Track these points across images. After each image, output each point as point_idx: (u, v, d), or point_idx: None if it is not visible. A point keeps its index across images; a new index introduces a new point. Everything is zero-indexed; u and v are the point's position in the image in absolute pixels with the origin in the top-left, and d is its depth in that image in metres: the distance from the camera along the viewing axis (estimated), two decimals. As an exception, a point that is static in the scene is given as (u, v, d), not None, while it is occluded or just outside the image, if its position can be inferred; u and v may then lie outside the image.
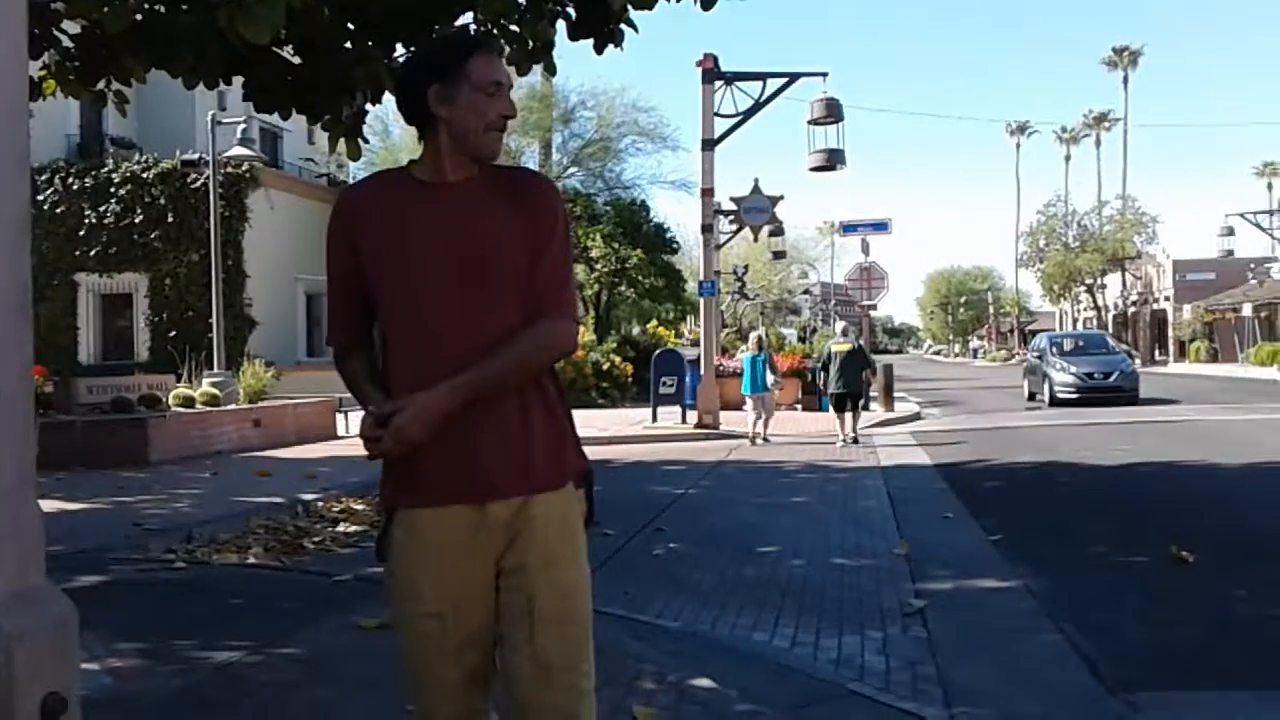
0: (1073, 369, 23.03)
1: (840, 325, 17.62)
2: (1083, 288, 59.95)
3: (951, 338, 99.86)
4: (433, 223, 2.17)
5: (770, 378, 15.66)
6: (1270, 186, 65.74)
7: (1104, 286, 59.68)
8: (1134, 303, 59.96)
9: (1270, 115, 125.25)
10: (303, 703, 4.05)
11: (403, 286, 2.17)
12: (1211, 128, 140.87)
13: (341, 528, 8.00)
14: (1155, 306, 57.98)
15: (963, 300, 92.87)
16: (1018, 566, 6.57)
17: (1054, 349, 24.91)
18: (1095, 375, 22.69)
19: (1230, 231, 48.00)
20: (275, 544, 7.35)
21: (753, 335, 17.12)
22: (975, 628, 5.28)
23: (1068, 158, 72.07)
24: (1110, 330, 51.37)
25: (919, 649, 4.87)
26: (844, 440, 14.93)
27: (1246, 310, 46.25)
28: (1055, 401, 22.43)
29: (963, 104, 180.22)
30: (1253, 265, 47.76)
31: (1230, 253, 49.98)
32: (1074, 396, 22.29)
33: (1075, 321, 64.34)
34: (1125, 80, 65.17)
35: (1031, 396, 24.66)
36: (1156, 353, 55.54)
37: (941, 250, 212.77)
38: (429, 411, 2.09)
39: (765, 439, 15.53)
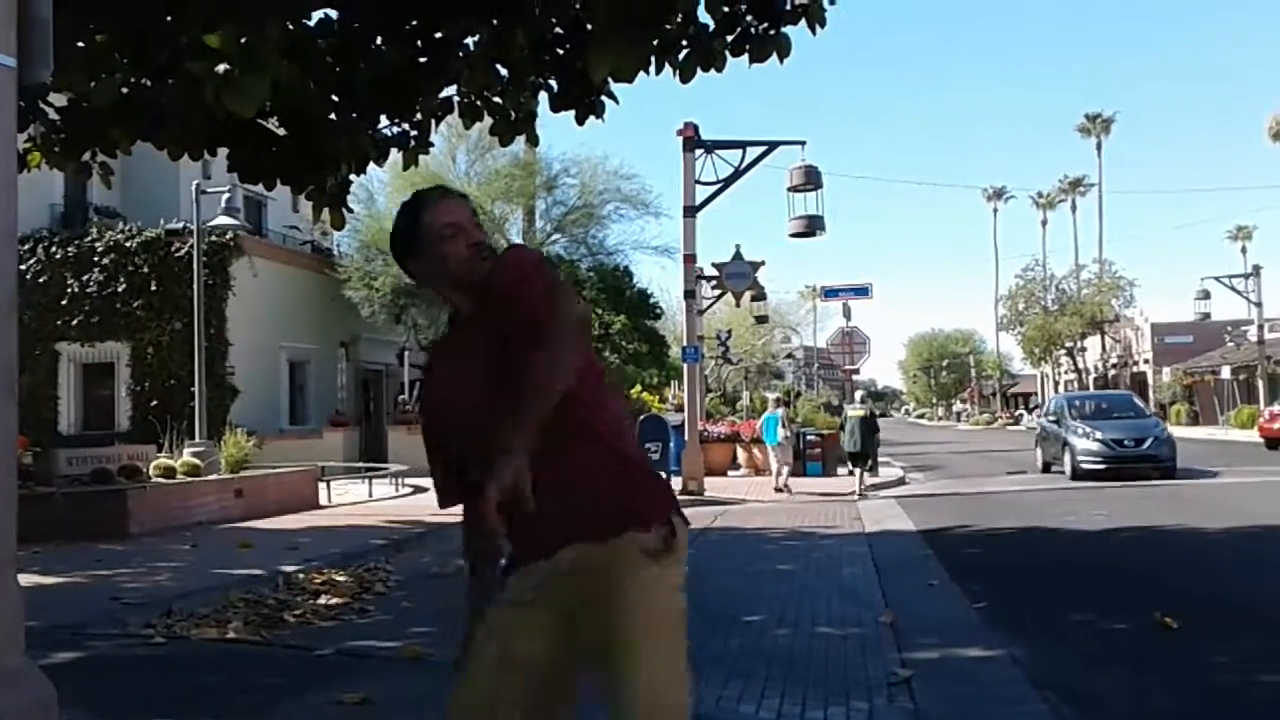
0: (1098, 435, 19.62)
1: (859, 394, 21.09)
2: (1063, 350, 60.39)
3: (934, 401, 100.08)
4: (457, 363, 2.39)
5: (782, 432, 18.56)
6: (1244, 250, 66.76)
7: (1084, 349, 60.11)
8: (1114, 365, 60.37)
9: (1239, 179, 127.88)
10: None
11: (453, 428, 2.36)
12: (1183, 193, 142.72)
13: (323, 600, 7.91)
14: (1135, 369, 58.39)
15: (945, 363, 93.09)
16: (1002, 634, 6.54)
17: (1073, 412, 21.41)
18: (1125, 442, 19.37)
19: (1206, 295, 48.39)
20: (255, 617, 7.25)
21: (771, 396, 21.72)
22: (961, 698, 5.24)
23: (1044, 223, 73.29)
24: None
25: (905, 720, 4.83)
26: (858, 494, 16.96)
27: (1225, 373, 46.54)
28: (1079, 474, 19.24)
29: (940, 170, 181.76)
30: (1229, 328, 48.24)
31: (1207, 316, 50.41)
32: (1101, 467, 18.99)
33: (1057, 384, 64.65)
34: (1099, 146, 66.44)
35: (1047, 467, 21.60)
36: (1138, 415, 55.72)
37: (923, 314, 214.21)
38: (508, 463, 2.06)
39: (787, 487, 17.54)
